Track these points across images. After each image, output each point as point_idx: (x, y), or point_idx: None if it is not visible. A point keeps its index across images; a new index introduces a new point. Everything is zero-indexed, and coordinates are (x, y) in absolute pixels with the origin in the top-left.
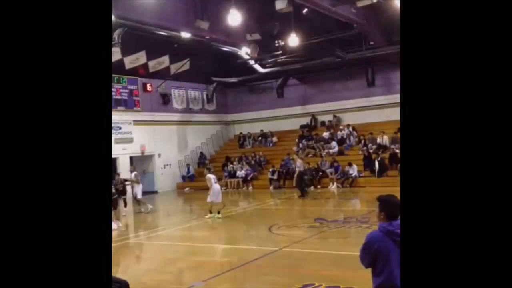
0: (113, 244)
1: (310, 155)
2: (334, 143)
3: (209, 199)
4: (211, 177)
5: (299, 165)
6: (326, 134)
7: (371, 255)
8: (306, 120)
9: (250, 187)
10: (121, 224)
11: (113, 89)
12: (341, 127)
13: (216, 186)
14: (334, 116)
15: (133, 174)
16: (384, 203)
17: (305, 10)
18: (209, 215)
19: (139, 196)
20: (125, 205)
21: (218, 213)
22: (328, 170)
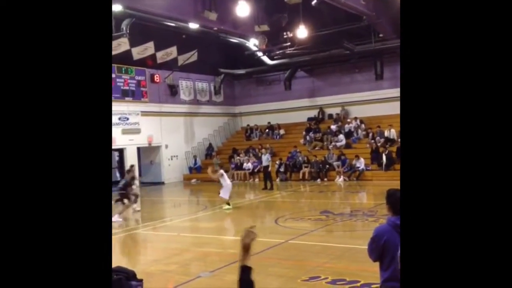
0: (121, 235)
1: (317, 148)
2: (341, 136)
3: (226, 195)
4: (223, 172)
5: (265, 159)
6: (333, 127)
7: (379, 248)
8: (313, 113)
9: (257, 179)
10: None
11: (121, 80)
12: (348, 120)
13: (229, 182)
14: (342, 109)
15: None
16: (390, 197)
17: (314, 2)
18: (227, 206)
19: None
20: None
21: (228, 204)
22: (335, 163)
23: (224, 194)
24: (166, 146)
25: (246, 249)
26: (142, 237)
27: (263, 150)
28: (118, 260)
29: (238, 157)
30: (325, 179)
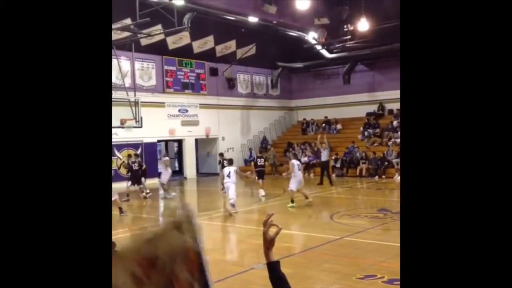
0: None
1: (375, 144)
2: None
3: (292, 187)
4: (295, 163)
5: (325, 154)
6: (395, 123)
7: None
8: (373, 108)
9: (312, 174)
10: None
11: (181, 73)
12: None
13: (300, 174)
14: None
15: (165, 159)
16: None
17: None
18: (291, 204)
19: (164, 181)
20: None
21: (292, 201)
22: (394, 160)
23: (293, 185)
24: (223, 138)
25: (271, 244)
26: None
27: (323, 145)
28: None
29: (293, 151)
30: (383, 176)
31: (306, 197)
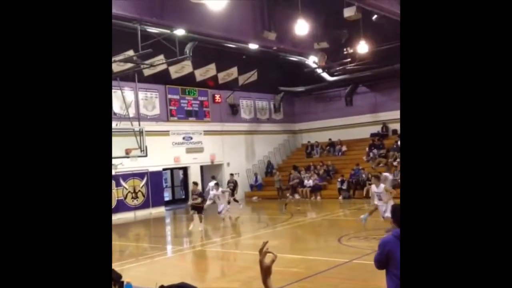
0: (184, 252)
1: (381, 165)
2: None
3: None
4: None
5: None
6: (399, 143)
7: (384, 256)
8: (376, 129)
9: (318, 197)
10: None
11: (184, 101)
12: None
13: None
14: None
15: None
16: (395, 212)
17: (374, 17)
18: None
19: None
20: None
21: None
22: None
23: None
24: (228, 164)
25: (268, 272)
26: (206, 254)
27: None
28: (182, 276)
29: (298, 174)
30: None
31: None
